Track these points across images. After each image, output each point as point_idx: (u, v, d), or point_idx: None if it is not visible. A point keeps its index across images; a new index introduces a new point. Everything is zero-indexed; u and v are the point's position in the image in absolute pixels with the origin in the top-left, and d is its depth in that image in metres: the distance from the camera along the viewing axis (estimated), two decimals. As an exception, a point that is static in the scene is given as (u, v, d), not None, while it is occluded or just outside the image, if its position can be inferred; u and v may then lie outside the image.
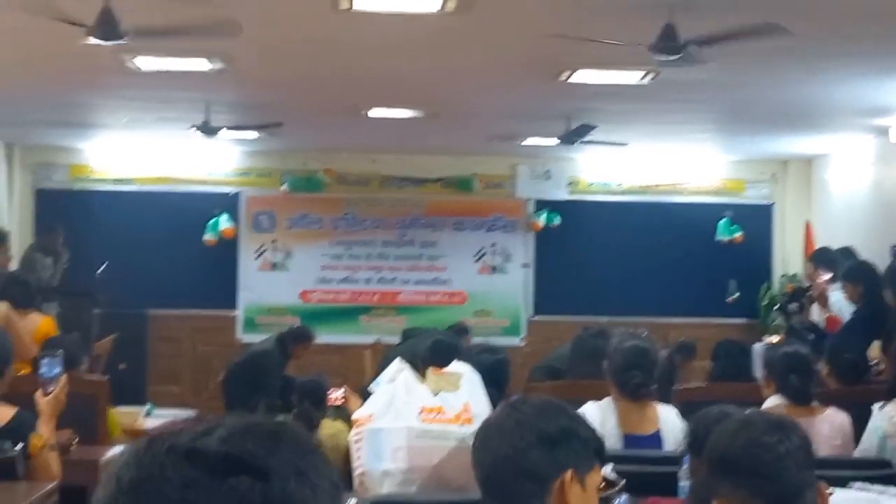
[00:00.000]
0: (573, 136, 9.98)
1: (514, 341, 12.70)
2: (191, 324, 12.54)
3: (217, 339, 12.52)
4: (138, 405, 9.56)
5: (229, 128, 9.98)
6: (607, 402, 4.97)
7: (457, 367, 4.59)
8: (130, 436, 6.72)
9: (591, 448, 2.34)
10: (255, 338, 12.48)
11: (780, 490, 2.56)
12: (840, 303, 8.16)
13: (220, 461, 1.10)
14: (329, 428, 6.85)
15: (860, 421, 5.71)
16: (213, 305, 12.55)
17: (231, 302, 12.60)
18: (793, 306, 8.61)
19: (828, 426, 5.03)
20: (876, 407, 5.07)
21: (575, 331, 12.24)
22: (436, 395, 4.41)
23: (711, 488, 2.68)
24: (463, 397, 4.40)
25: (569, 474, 2.31)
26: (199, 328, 12.57)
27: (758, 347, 10.83)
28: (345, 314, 12.63)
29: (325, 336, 12.48)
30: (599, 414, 4.92)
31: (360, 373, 12.33)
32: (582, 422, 2.38)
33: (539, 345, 12.65)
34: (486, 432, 2.40)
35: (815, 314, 8.71)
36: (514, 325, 12.75)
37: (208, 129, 9.81)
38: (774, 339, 9.84)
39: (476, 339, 12.43)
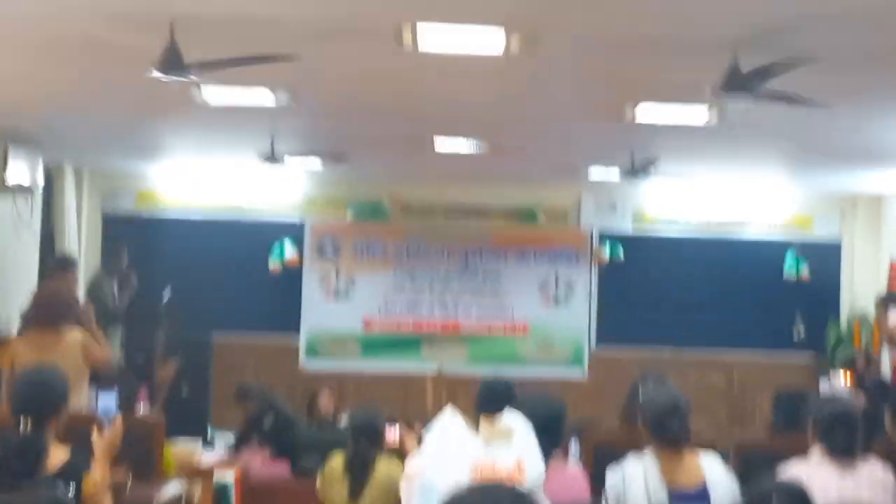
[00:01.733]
0: (637, 171, 9.91)
1: (577, 374, 12.63)
2: (254, 350, 12.59)
3: (280, 366, 12.56)
4: (197, 436, 9.64)
5: (293, 155, 10.04)
6: (649, 455, 4.92)
7: (511, 417, 4.54)
8: (186, 473, 6.75)
9: None
10: (318, 364, 12.56)
11: None
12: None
13: None
14: (386, 465, 6.82)
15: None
16: (276, 331, 12.60)
17: (294, 329, 12.63)
18: (860, 361, 8.49)
19: (868, 471, 4.94)
20: None
21: (637, 363, 12.36)
22: (488, 445, 4.36)
23: None
24: (516, 452, 4.35)
25: None
26: (262, 354, 12.61)
27: (824, 384, 10.75)
28: (407, 344, 12.62)
29: (386, 364, 12.53)
30: (642, 468, 4.88)
31: (421, 402, 12.33)
32: None
33: (601, 377, 12.58)
34: None
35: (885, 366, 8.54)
36: (577, 357, 12.66)
37: (273, 158, 9.87)
38: (839, 375, 9.74)
39: (537, 369, 12.44)
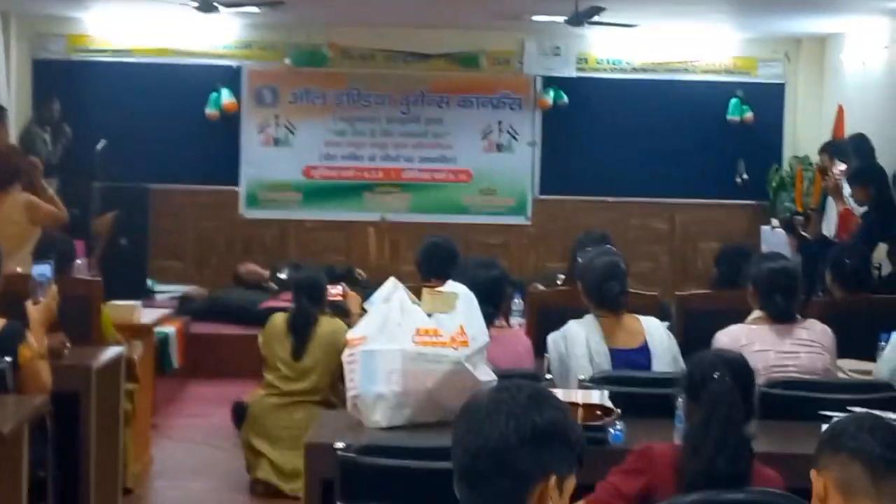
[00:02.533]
0: (581, 17, 9.75)
1: (521, 220, 12.62)
2: (193, 199, 12.43)
3: (219, 214, 12.43)
4: (136, 290, 9.57)
5: (227, 5, 9.75)
6: (590, 318, 5.00)
7: (452, 286, 4.49)
8: (126, 333, 6.67)
9: (574, 453, 2.23)
10: (258, 214, 12.44)
11: None
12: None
13: None
14: (328, 325, 6.79)
15: (862, 332, 5.67)
16: (215, 181, 12.43)
17: (234, 177, 12.47)
18: (799, 218, 8.49)
19: (806, 332, 4.99)
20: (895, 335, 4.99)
21: (581, 210, 12.37)
22: (431, 316, 4.31)
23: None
24: (459, 319, 4.30)
25: (552, 480, 2.20)
26: (201, 204, 12.46)
27: (766, 230, 10.81)
28: (348, 191, 12.50)
29: (328, 213, 12.44)
30: (584, 331, 4.94)
31: (364, 251, 12.31)
32: (571, 421, 2.27)
33: (545, 224, 12.59)
34: (475, 415, 2.22)
35: (823, 227, 8.54)
36: (521, 205, 12.63)
37: (206, 6, 9.58)
38: (779, 230, 9.79)
39: (481, 218, 12.42)
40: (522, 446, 2.17)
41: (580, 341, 4.93)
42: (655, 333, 5.01)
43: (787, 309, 5.00)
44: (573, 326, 4.98)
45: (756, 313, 5.08)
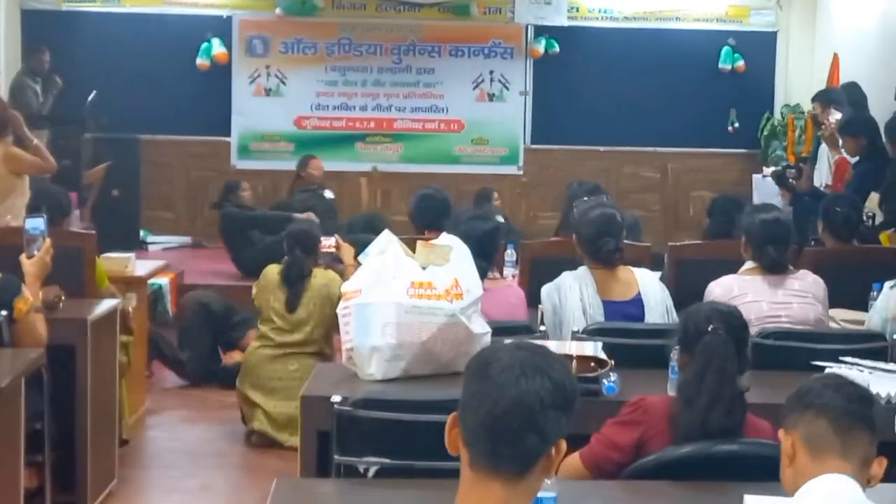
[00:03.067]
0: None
1: (512, 170, 12.61)
2: (184, 149, 12.40)
3: (211, 165, 12.41)
4: (129, 241, 9.57)
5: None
6: (584, 270, 5.00)
7: (446, 239, 4.50)
8: (120, 285, 6.68)
9: (572, 421, 2.26)
10: (249, 164, 12.42)
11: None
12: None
13: None
14: (321, 277, 6.80)
15: (854, 282, 5.70)
16: (206, 131, 12.39)
17: (225, 128, 12.43)
18: (791, 172, 8.46)
19: (798, 283, 5.02)
20: (888, 285, 5.01)
21: (572, 160, 12.38)
22: (425, 269, 4.32)
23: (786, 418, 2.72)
24: (453, 272, 4.31)
25: (563, 444, 2.25)
26: (192, 154, 12.44)
27: (757, 178, 10.81)
28: (340, 141, 12.47)
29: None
30: (577, 282, 4.94)
31: (357, 199, 12.32)
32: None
33: (536, 174, 12.59)
34: (507, 372, 2.22)
35: (816, 177, 8.52)
36: (513, 154, 12.62)
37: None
38: (770, 170, 9.77)
39: (473, 168, 12.40)
40: (552, 408, 2.21)
41: (574, 293, 4.93)
42: (649, 285, 5.01)
43: (779, 260, 5.02)
44: (567, 278, 4.99)
45: (748, 264, 5.10)
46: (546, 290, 5.04)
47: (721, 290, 4.92)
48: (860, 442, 2.63)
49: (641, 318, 4.95)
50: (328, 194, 10.75)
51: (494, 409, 2.20)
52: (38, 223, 5.03)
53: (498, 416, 2.20)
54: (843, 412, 2.64)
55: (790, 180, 8.36)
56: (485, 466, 2.22)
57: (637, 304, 4.98)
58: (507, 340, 2.41)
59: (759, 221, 5.08)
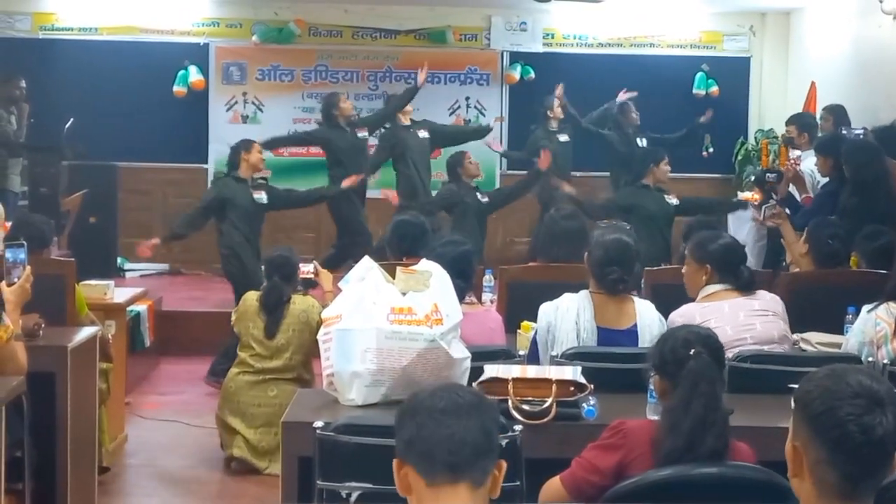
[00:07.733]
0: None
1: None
2: (161, 177, 12.42)
3: (188, 192, 12.36)
4: (106, 268, 9.55)
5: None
6: (584, 294, 4.97)
7: (425, 265, 4.53)
8: (98, 312, 6.68)
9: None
10: (227, 191, 12.37)
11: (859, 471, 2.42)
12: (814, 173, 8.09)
13: None
14: (300, 303, 6.83)
15: (829, 305, 5.75)
16: (183, 159, 12.41)
17: (202, 155, 12.45)
18: (770, 176, 8.43)
19: (758, 303, 5.07)
20: (865, 308, 5.03)
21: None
22: (405, 294, 4.35)
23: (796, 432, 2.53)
24: (432, 297, 4.35)
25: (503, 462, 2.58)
26: (169, 181, 12.46)
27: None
28: (318, 168, 12.48)
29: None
30: (576, 305, 4.92)
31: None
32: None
33: (512, 199, 12.59)
34: (452, 413, 2.55)
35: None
36: (489, 180, 12.65)
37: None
38: (748, 195, 9.80)
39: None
40: (494, 432, 2.58)
41: (570, 315, 4.89)
42: (647, 317, 4.95)
43: (751, 279, 5.09)
44: (566, 300, 4.95)
45: (707, 289, 5.11)
46: (544, 308, 4.98)
47: (683, 319, 4.87)
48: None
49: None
50: None
51: (450, 446, 2.51)
52: (18, 252, 5.04)
53: (453, 451, 2.51)
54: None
55: (769, 185, 8.34)
56: (450, 479, 2.51)
57: (631, 334, 4.92)
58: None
59: (720, 246, 5.14)
